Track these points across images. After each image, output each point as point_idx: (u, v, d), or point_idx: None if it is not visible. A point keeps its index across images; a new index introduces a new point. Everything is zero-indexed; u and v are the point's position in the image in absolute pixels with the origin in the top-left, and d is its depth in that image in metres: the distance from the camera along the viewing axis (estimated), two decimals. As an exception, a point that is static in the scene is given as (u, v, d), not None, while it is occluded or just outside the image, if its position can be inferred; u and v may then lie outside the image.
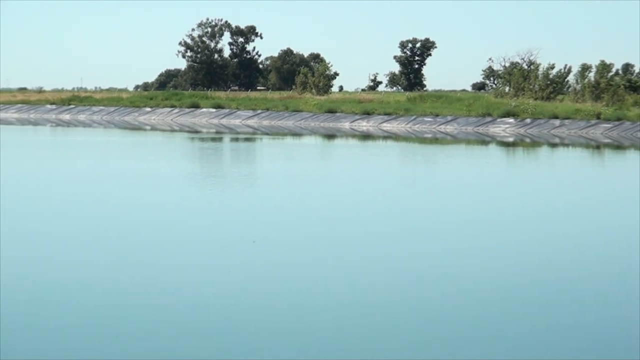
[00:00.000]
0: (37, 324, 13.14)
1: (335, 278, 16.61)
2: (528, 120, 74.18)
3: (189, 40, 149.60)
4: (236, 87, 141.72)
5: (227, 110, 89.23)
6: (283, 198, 29.31)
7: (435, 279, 16.75)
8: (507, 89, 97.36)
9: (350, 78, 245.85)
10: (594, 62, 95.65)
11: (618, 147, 57.75)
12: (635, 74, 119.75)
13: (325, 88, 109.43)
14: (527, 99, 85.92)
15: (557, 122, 73.02)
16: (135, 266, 17.25)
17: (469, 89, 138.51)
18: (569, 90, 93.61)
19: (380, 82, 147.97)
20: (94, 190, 29.51)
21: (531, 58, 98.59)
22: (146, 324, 13.28)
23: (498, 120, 75.12)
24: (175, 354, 11.89)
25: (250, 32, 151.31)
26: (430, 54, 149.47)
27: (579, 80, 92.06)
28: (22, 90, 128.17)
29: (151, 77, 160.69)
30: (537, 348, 12.37)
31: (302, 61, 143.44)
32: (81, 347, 12.12)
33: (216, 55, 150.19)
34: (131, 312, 13.91)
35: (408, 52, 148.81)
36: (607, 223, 24.66)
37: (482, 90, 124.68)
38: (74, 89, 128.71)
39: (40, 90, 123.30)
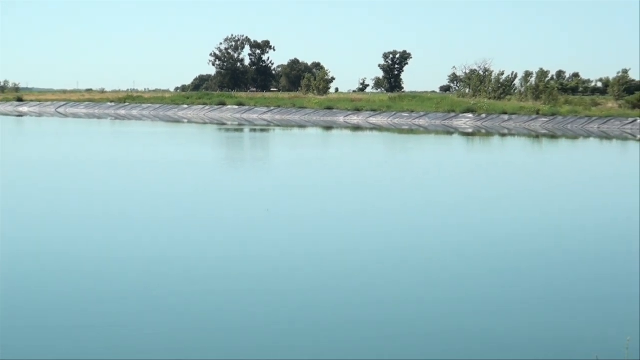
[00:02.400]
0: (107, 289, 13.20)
1: (333, 240, 16.74)
2: (484, 115, 74.30)
3: (217, 52, 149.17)
4: (254, 89, 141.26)
5: (247, 107, 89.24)
6: (292, 175, 29.46)
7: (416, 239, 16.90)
8: (467, 90, 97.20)
9: (344, 82, 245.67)
10: (534, 69, 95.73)
11: (552, 136, 57.90)
12: (566, 79, 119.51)
13: (325, 90, 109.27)
14: (482, 99, 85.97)
15: (506, 117, 73.20)
16: (174, 226, 17.48)
17: (438, 90, 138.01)
18: (515, 91, 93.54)
19: (368, 85, 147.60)
20: (141, 168, 29.70)
21: (486, 66, 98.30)
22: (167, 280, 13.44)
23: (460, 115, 75.22)
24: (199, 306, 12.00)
25: (265, 46, 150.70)
26: (407, 63, 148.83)
27: (523, 84, 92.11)
28: (89, 91, 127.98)
29: (188, 81, 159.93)
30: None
31: (307, 68, 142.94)
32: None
33: (239, 64, 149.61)
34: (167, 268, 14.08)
35: (390, 62, 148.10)
36: (546, 194, 24.84)
37: (448, 92, 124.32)
38: (128, 90, 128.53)
39: (102, 91, 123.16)
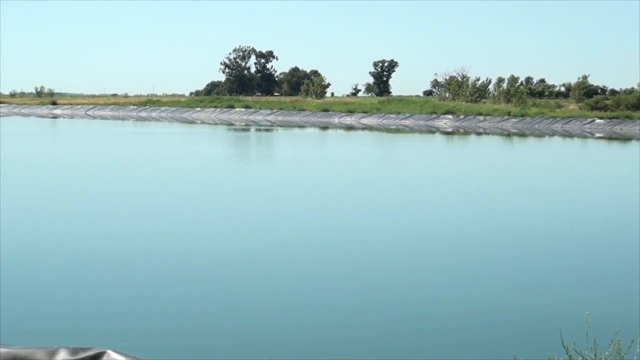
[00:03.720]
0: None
1: (326, 229, 16.76)
2: (462, 116, 74.16)
3: (227, 61, 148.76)
4: (259, 94, 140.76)
5: (253, 110, 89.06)
6: (293, 169, 29.48)
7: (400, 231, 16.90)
8: (447, 94, 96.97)
9: (339, 87, 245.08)
10: (506, 75, 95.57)
11: (522, 135, 57.93)
12: (534, 84, 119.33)
13: (321, 94, 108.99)
14: (460, 102, 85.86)
15: (481, 117, 73.06)
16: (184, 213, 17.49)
17: (421, 94, 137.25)
18: (489, 95, 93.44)
19: (360, 90, 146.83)
20: (160, 163, 29.74)
21: (463, 73, 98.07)
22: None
23: (441, 116, 75.03)
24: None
25: (269, 55, 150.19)
26: (394, 70, 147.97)
27: (496, 88, 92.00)
28: (114, 95, 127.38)
29: (201, 86, 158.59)
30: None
31: (306, 75, 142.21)
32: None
33: (245, 72, 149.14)
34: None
35: (379, 69, 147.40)
36: (516, 185, 24.88)
37: (430, 95, 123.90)
38: (148, 94, 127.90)
39: (126, 96, 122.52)
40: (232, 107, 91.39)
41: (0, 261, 11.95)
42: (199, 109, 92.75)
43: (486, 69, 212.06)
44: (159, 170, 27.73)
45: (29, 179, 24.07)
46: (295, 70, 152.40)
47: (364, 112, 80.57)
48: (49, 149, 38.64)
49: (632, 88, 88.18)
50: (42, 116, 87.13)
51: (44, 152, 35.51)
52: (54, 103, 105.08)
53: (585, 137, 56.28)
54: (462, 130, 63.32)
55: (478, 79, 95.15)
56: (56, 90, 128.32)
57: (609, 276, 12.21)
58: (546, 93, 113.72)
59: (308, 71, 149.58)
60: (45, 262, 12.40)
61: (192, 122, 76.29)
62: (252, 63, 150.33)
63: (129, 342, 7.24)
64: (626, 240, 15.12)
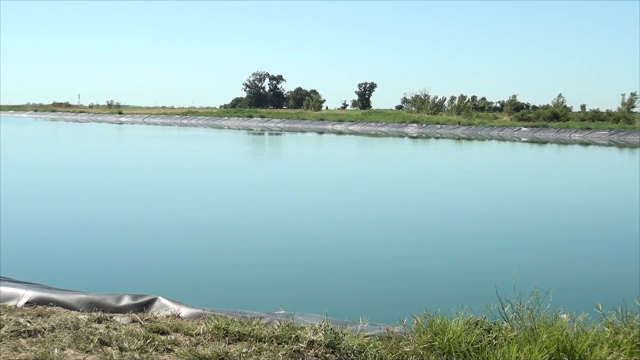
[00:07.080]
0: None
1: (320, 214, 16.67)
2: (424, 125, 74.19)
3: (247, 82, 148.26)
4: (272, 107, 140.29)
5: (267, 119, 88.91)
6: (297, 161, 29.38)
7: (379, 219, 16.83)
8: (413, 108, 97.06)
9: (331, 102, 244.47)
10: (457, 94, 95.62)
11: (469, 139, 58.01)
12: (477, 101, 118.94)
13: (318, 107, 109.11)
14: (423, 114, 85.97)
15: (438, 126, 73.14)
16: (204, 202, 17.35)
17: (394, 108, 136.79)
18: (445, 109, 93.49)
19: (348, 105, 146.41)
20: (189, 158, 29.70)
21: (425, 93, 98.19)
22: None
23: (409, 125, 75.10)
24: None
25: (279, 78, 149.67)
26: (374, 90, 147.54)
27: (449, 104, 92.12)
28: (163, 107, 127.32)
29: (228, 101, 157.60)
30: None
31: (307, 93, 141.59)
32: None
33: (261, 90, 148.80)
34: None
35: (362, 89, 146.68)
36: (466, 174, 24.78)
37: (401, 109, 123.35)
38: (189, 106, 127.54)
39: (172, 107, 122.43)
40: (251, 116, 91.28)
41: (78, 231, 11.94)
42: (226, 117, 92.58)
43: (442, 89, 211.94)
44: (195, 159, 27.60)
45: (112, 165, 23.94)
46: (299, 89, 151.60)
47: (350, 121, 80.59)
48: (135, 145, 38.50)
49: (548, 104, 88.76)
50: (111, 122, 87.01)
51: (134, 146, 35.33)
52: (120, 113, 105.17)
53: (514, 140, 56.69)
54: (424, 135, 63.36)
55: (436, 97, 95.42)
56: (122, 103, 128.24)
57: (533, 244, 12.21)
58: (486, 108, 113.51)
59: (309, 90, 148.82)
60: (115, 230, 12.35)
61: (220, 127, 76.17)
62: (266, 84, 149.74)
63: (175, 291, 7.24)
64: (552, 216, 15.12)
